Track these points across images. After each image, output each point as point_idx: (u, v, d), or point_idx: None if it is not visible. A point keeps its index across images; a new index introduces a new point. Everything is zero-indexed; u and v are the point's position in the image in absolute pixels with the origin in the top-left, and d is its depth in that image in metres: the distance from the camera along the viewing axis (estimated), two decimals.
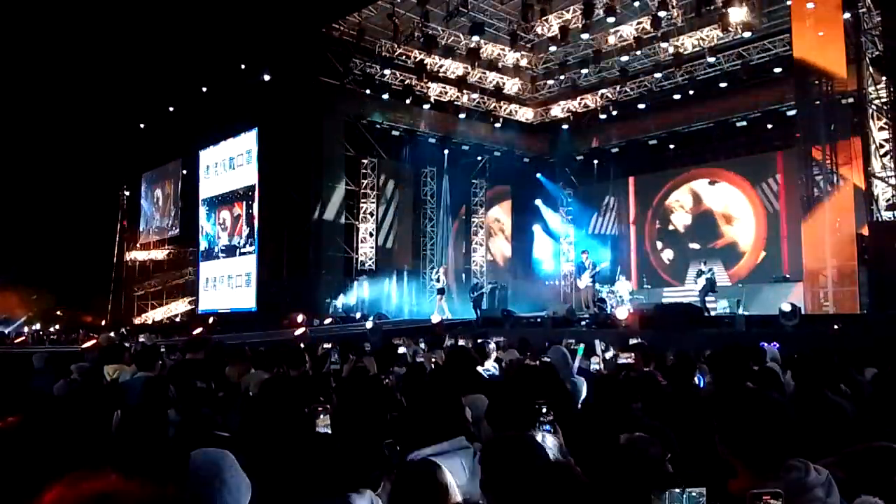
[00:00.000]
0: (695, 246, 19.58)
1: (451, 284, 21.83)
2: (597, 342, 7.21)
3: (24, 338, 19.40)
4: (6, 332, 22.05)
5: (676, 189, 20.64)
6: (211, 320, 19.40)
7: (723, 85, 17.92)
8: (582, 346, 6.52)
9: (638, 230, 21.43)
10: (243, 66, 19.35)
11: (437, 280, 19.11)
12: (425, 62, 18.79)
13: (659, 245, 20.82)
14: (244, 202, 20.35)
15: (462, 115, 20.72)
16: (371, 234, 20.02)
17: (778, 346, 6.72)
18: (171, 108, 22.90)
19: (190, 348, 6.19)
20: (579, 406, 4.07)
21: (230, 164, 21.05)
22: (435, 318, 15.43)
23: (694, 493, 1.60)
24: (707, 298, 14.76)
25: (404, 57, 18.92)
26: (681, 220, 20.40)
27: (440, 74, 19.66)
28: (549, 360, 5.05)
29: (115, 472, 1.14)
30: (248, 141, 20.15)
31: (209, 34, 18.63)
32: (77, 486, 1.08)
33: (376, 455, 2.37)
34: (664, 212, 20.83)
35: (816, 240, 13.42)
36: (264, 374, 4.98)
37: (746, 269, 18.74)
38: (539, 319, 14.48)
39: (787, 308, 10.59)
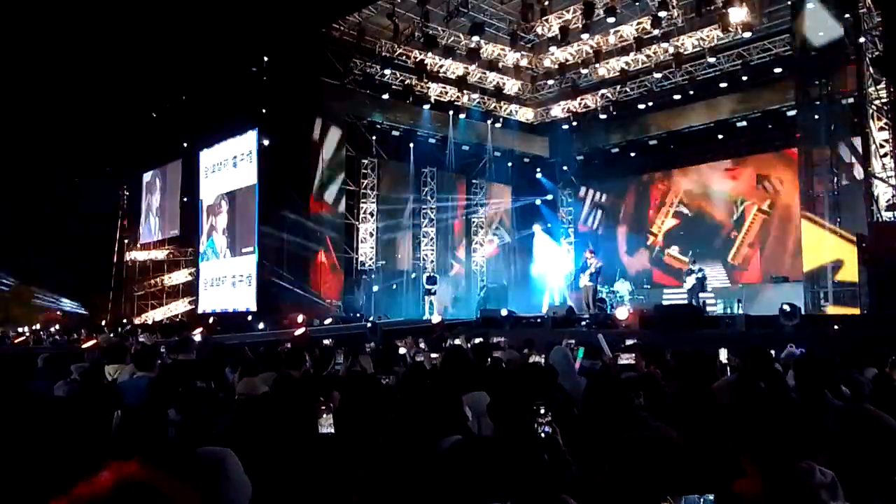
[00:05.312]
0: (695, 246, 19.54)
1: (453, 285, 21.89)
2: (600, 337, 7.19)
3: (24, 338, 19.34)
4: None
5: (677, 188, 20.62)
6: (211, 321, 19.40)
7: (723, 85, 17.92)
8: (582, 349, 6.52)
9: (638, 230, 21.41)
10: (243, 67, 19.36)
11: (429, 280, 19.14)
12: (425, 62, 18.81)
13: (660, 245, 20.80)
14: (244, 202, 20.34)
15: (462, 116, 20.73)
16: (371, 235, 20.02)
17: (804, 351, 6.51)
18: (171, 109, 22.91)
19: (181, 349, 6.19)
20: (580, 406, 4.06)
21: (230, 164, 21.06)
22: (435, 319, 15.45)
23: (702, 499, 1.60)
24: (707, 297, 14.78)
25: (404, 57, 18.93)
26: (681, 220, 20.38)
27: (440, 74, 19.67)
28: (550, 361, 5.05)
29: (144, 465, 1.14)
30: (248, 141, 20.13)
31: (209, 34, 18.63)
32: (111, 475, 1.10)
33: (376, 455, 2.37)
34: (664, 211, 20.81)
35: (816, 240, 13.44)
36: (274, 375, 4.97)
37: (746, 270, 18.74)
38: (539, 319, 14.50)
39: (787, 308, 10.58)
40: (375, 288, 19.43)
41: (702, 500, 1.60)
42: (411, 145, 20.55)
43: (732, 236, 19.24)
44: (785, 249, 17.86)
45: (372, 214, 20.03)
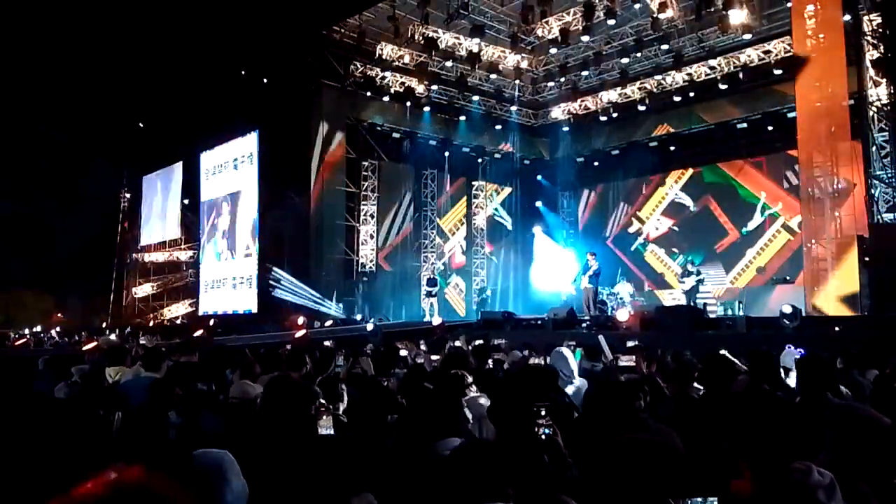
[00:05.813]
0: (693, 246, 19.53)
1: (453, 286, 21.89)
2: (601, 339, 7.17)
3: (25, 340, 19.35)
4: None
5: (676, 191, 20.60)
6: (212, 323, 19.39)
7: (723, 87, 17.91)
8: (580, 350, 6.51)
9: (637, 231, 21.40)
10: (244, 69, 19.38)
11: (429, 282, 19.13)
12: (426, 64, 18.81)
13: (659, 246, 20.78)
14: (245, 204, 20.36)
15: (462, 118, 20.74)
16: (372, 237, 20.02)
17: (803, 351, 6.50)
18: (172, 111, 22.92)
19: (182, 350, 6.18)
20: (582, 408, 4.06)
21: (231, 166, 21.08)
22: (436, 321, 15.42)
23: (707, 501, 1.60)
24: (707, 299, 14.76)
25: (405, 59, 18.94)
26: (681, 221, 20.35)
27: (441, 76, 19.69)
28: (551, 362, 5.06)
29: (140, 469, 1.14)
30: (248, 143, 20.16)
31: (210, 36, 18.65)
32: (109, 477, 1.09)
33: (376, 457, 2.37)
34: (664, 213, 20.79)
35: (817, 242, 13.43)
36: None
37: (747, 271, 18.70)
38: (540, 321, 14.46)
39: (787, 310, 10.55)
40: (376, 290, 19.42)
41: (707, 502, 1.60)
42: (412, 147, 20.56)
43: (735, 241, 18.94)
44: (785, 251, 17.79)
45: (372, 216, 20.03)
